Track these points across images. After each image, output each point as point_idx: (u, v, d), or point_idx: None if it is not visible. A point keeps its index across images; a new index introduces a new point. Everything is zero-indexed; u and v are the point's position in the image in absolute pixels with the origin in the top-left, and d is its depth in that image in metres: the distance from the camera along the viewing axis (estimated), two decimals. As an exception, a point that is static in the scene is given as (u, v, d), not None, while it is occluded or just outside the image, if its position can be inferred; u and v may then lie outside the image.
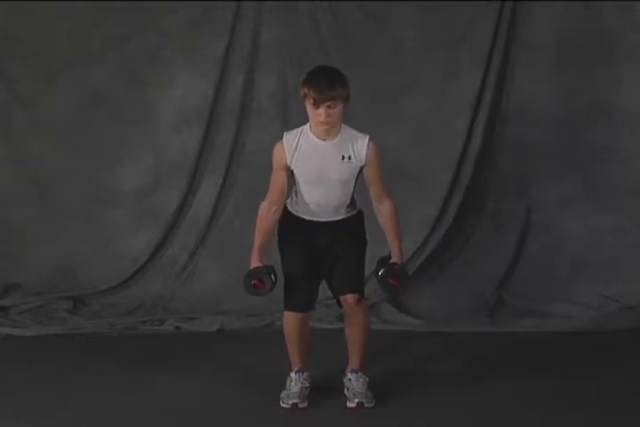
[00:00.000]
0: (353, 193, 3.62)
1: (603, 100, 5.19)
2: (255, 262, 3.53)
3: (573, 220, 5.21)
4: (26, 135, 5.24)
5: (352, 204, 3.64)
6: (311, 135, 3.53)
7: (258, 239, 3.56)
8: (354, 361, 3.72)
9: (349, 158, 3.52)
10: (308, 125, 3.55)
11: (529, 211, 5.27)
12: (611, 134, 5.20)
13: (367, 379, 3.67)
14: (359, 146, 3.53)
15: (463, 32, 5.16)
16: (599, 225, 5.19)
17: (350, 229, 3.64)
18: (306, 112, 3.50)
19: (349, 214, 3.63)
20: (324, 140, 3.52)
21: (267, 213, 3.57)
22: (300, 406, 3.58)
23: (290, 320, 3.66)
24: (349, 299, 3.61)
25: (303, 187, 3.57)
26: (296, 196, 3.62)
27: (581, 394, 3.77)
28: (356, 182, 3.60)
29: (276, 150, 3.56)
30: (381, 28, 5.18)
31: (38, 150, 5.24)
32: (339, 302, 3.69)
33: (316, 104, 3.42)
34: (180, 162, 5.22)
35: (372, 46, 5.17)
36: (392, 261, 3.61)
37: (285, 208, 3.64)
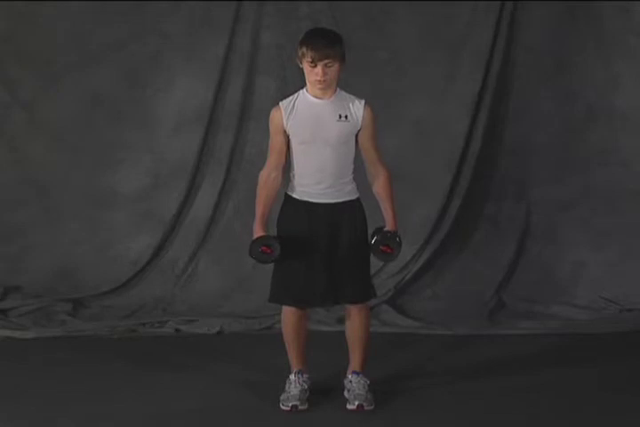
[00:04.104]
0: (352, 169, 3.57)
1: (602, 102, 5.20)
2: (259, 232, 3.49)
3: (573, 222, 5.21)
4: (26, 137, 5.23)
5: (353, 184, 3.58)
6: (308, 95, 3.53)
7: (259, 208, 3.54)
8: (355, 363, 3.71)
9: (346, 117, 3.51)
10: (304, 89, 3.55)
11: (529, 213, 5.27)
12: (610, 136, 5.21)
13: (368, 381, 3.66)
14: (356, 107, 3.53)
15: (463, 34, 5.16)
16: (599, 227, 5.19)
17: (355, 223, 3.57)
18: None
19: (351, 198, 3.58)
20: (321, 98, 3.52)
21: (266, 180, 3.55)
22: (300, 408, 3.57)
23: (287, 317, 3.66)
24: (355, 306, 3.63)
25: (299, 152, 3.53)
26: (293, 170, 3.56)
27: (581, 395, 3.77)
28: (353, 155, 3.55)
29: (272, 114, 3.55)
30: (381, 31, 5.19)
31: (38, 152, 5.24)
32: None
33: (314, 62, 3.43)
34: (180, 164, 5.22)
35: (372, 49, 5.17)
36: (386, 228, 3.55)
37: (285, 195, 3.61)
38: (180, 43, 5.16)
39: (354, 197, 3.60)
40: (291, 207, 3.60)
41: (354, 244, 3.57)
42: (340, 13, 5.15)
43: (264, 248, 3.46)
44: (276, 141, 3.56)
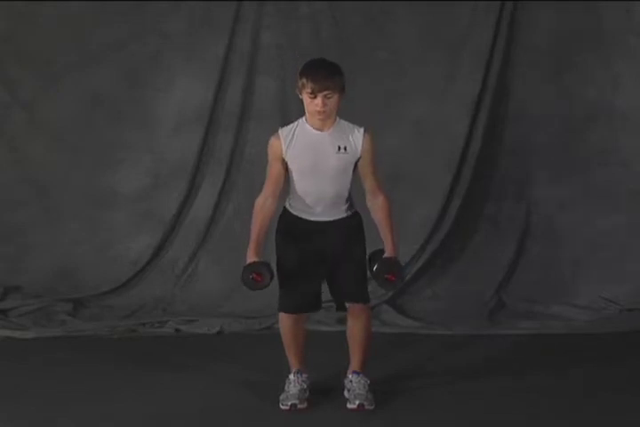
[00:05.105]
0: (349, 190, 3.59)
1: (602, 102, 5.20)
2: (251, 257, 3.51)
3: (573, 221, 5.21)
4: (26, 137, 5.24)
5: (348, 202, 3.62)
6: (307, 126, 3.53)
7: (253, 234, 3.55)
8: (355, 363, 3.72)
9: (345, 149, 3.52)
10: (303, 118, 3.55)
11: (528, 213, 5.27)
12: (610, 136, 5.20)
13: (368, 381, 3.66)
14: (355, 137, 3.53)
15: (463, 34, 5.16)
16: (599, 227, 5.19)
17: (350, 233, 3.62)
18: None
19: (346, 214, 3.61)
20: (320, 130, 3.53)
21: (261, 207, 3.56)
22: (299, 406, 3.57)
23: (284, 320, 3.68)
24: (356, 307, 3.64)
25: (298, 179, 3.56)
26: (292, 192, 3.60)
27: (581, 396, 3.77)
28: (351, 178, 3.57)
29: (271, 142, 3.56)
30: (381, 31, 5.18)
31: (39, 153, 5.24)
32: (338, 307, 3.71)
33: (314, 93, 3.43)
34: (180, 164, 5.22)
35: (372, 49, 5.17)
36: (386, 255, 3.56)
37: (284, 208, 3.64)
38: (180, 43, 5.16)
39: (349, 213, 3.63)
40: (288, 220, 3.64)
41: (353, 253, 3.61)
42: (340, 13, 5.15)
43: (255, 276, 3.49)
44: (274, 168, 3.57)
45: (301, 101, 3.51)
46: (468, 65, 5.15)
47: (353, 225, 3.64)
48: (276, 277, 3.57)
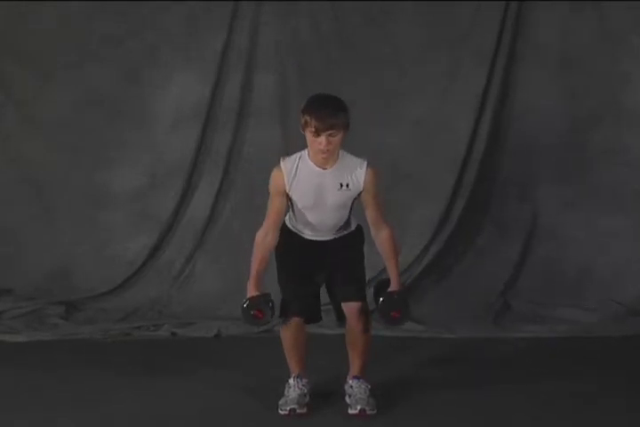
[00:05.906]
0: (349, 215, 3.61)
1: (608, 101, 5.17)
2: (252, 291, 3.52)
3: (578, 223, 5.18)
4: (22, 136, 5.21)
5: (348, 223, 3.63)
6: (310, 163, 3.50)
7: (254, 267, 3.55)
8: (355, 368, 3.69)
9: (347, 186, 3.51)
10: (306, 152, 3.52)
11: (534, 214, 5.23)
12: (616, 136, 5.18)
13: (369, 385, 3.63)
14: (358, 173, 3.51)
15: (467, 32, 5.12)
16: (604, 228, 5.16)
17: (349, 239, 3.63)
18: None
19: (346, 232, 3.63)
20: (323, 168, 3.49)
21: (262, 241, 3.55)
22: (299, 411, 3.54)
23: (285, 325, 3.65)
24: (353, 307, 3.60)
25: (300, 210, 3.56)
26: (294, 214, 3.60)
27: (587, 399, 3.74)
28: (352, 206, 3.58)
29: (273, 176, 3.53)
30: (382, 28, 5.15)
31: (34, 152, 5.20)
32: (338, 317, 3.69)
33: (318, 132, 3.39)
34: (178, 163, 5.19)
35: (373, 46, 5.14)
36: (391, 289, 3.56)
37: (284, 224, 3.64)
38: (177, 39, 5.13)
39: (350, 229, 3.64)
40: (288, 233, 3.63)
41: (351, 258, 3.63)
42: (341, 11, 5.11)
43: (256, 312, 3.49)
44: (276, 202, 3.55)
45: (304, 136, 3.46)
46: (473, 63, 5.12)
47: (352, 234, 3.65)
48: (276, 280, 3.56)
